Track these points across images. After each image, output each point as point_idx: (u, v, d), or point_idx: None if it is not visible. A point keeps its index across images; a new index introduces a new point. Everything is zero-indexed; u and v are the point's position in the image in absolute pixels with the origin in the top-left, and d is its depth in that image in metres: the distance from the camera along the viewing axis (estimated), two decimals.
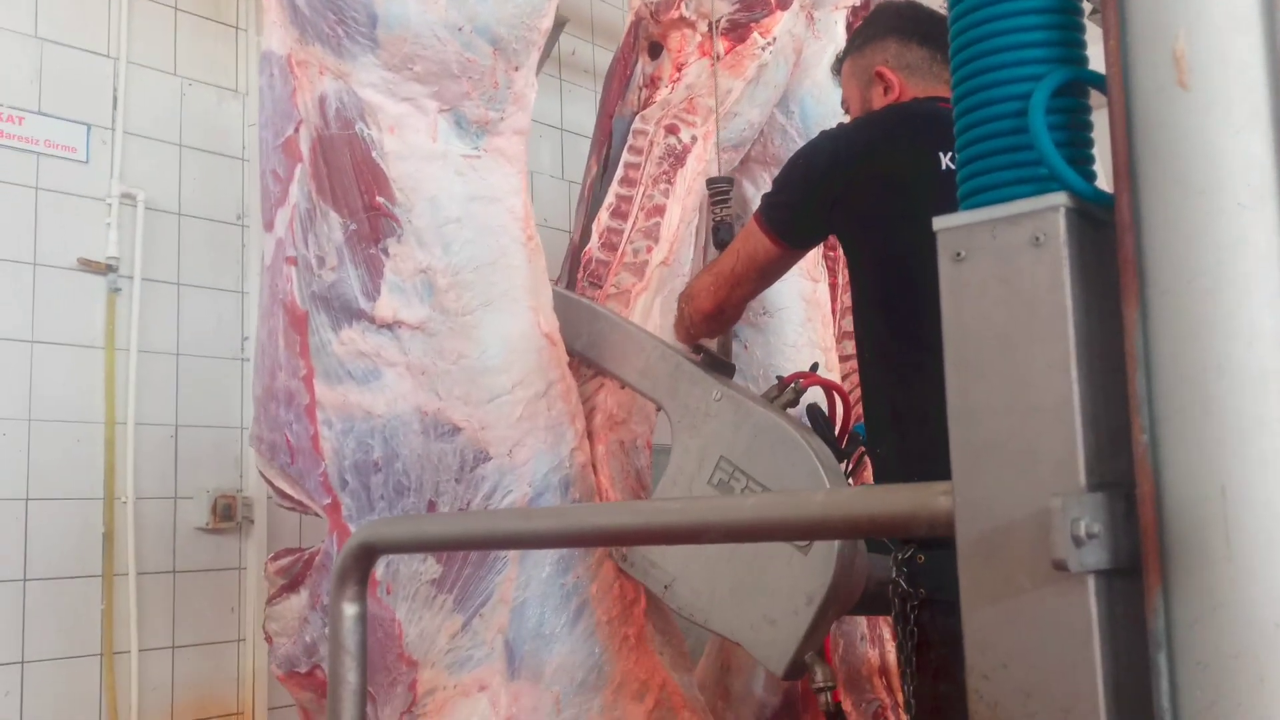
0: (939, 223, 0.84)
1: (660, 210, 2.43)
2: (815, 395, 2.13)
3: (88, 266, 2.78)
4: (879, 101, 1.94)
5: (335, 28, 1.83)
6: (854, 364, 2.14)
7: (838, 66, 2.13)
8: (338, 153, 1.86)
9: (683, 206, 2.46)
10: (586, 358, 2.17)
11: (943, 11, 0.97)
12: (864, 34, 2.04)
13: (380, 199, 1.85)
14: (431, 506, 1.89)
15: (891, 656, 2.65)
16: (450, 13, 1.83)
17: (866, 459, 1.99)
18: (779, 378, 2.07)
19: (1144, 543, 0.73)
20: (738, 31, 2.54)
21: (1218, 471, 0.70)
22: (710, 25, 2.52)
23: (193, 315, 2.97)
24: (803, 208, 1.85)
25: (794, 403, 1.96)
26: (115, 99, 2.88)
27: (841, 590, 1.73)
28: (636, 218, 2.43)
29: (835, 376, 2.81)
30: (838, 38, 2.74)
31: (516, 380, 1.93)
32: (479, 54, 1.87)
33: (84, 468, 2.73)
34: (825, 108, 2.72)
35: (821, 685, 1.91)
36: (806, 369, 2.56)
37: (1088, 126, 0.88)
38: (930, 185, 1.69)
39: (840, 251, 2.52)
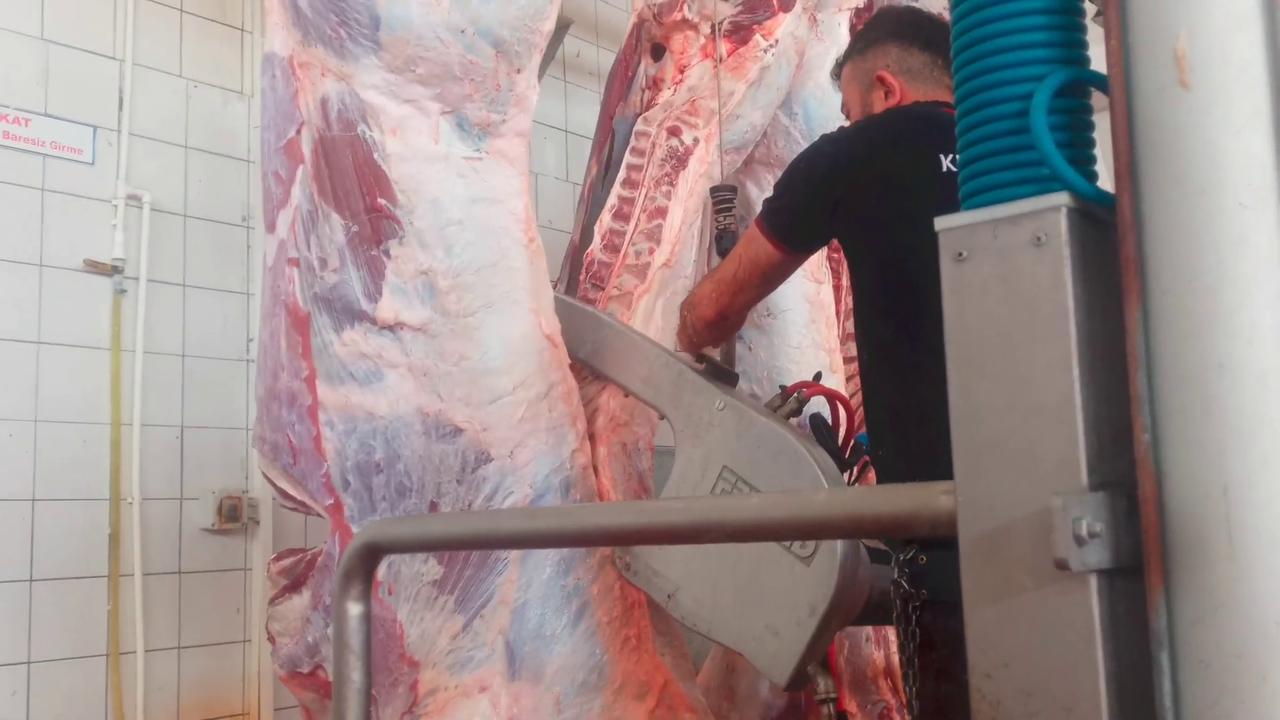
0: (941, 223, 0.84)
1: (662, 212, 2.43)
2: (818, 404, 2.14)
3: (93, 268, 2.79)
4: (879, 105, 1.94)
5: (338, 29, 1.83)
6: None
7: (837, 71, 2.13)
8: (340, 154, 1.87)
9: (685, 208, 2.46)
10: (590, 365, 2.17)
11: (944, 17, 0.98)
12: (865, 38, 2.04)
13: (382, 200, 1.85)
14: (433, 508, 1.89)
15: (896, 658, 2.65)
16: (453, 15, 1.83)
17: (869, 469, 1.99)
18: (782, 387, 2.06)
19: (1146, 542, 0.73)
20: (740, 34, 2.55)
21: (1219, 470, 0.70)
22: (713, 27, 2.52)
23: (198, 316, 2.98)
24: (804, 211, 1.85)
25: (797, 412, 1.95)
26: (121, 101, 2.89)
27: (844, 601, 1.73)
28: (638, 219, 2.43)
29: (840, 377, 2.81)
30: (840, 39, 2.74)
31: (518, 382, 1.94)
32: (481, 56, 1.88)
33: (90, 469, 2.74)
34: (828, 109, 2.72)
35: (824, 697, 1.92)
36: (811, 370, 2.56)
37: (1089, 126, 0.88)
38: (931, 187, 1.69)
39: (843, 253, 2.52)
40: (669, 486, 1.97)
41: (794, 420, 1.94)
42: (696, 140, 2.50)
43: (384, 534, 1.36)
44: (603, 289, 2.36)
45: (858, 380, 2.28)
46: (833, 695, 1.79)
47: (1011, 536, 0.77)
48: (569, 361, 2.09)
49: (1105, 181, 0.82)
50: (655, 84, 2.58)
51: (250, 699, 2.96)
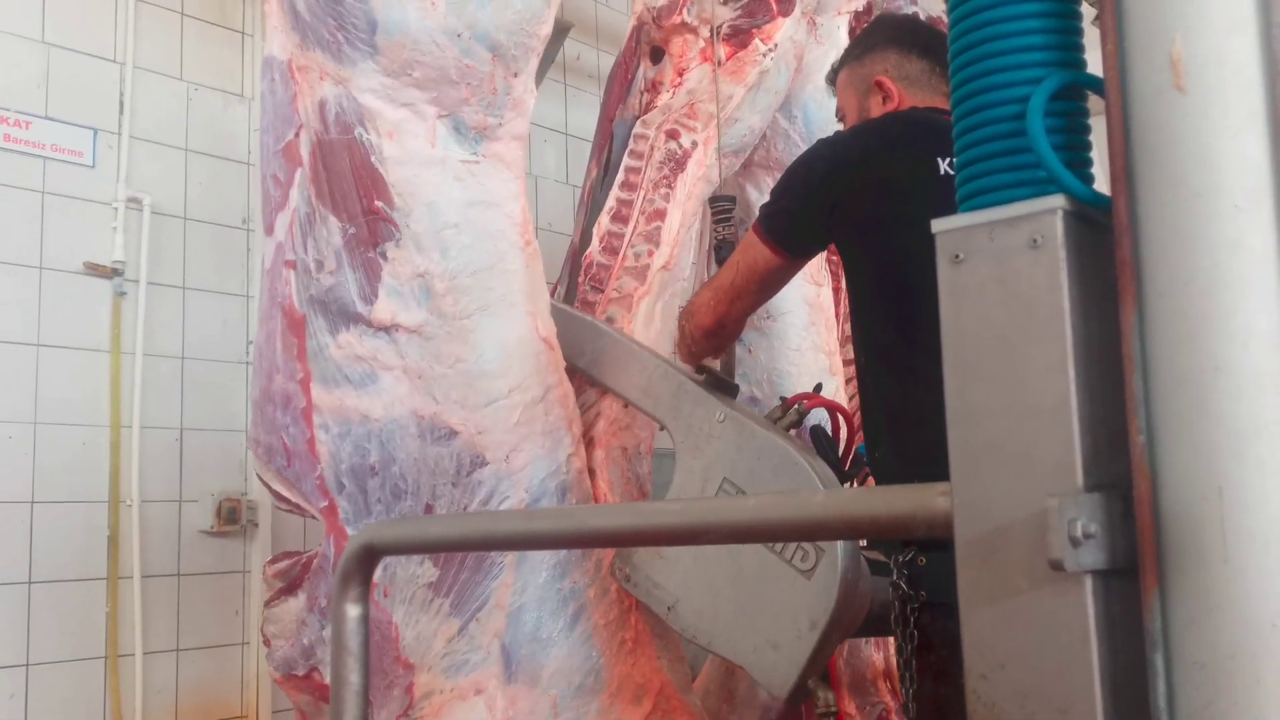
0: (938, 225, 0.84)
1: (661, 215, 2.44)
2: (818, 415, 2.13)
3: (94, 270, 2.79)
4: (877, 110, 1.94)
5: (335, 33, 1.84)
6: None
7: (832, 76, 2.13)
8: (337, 157, 1.87)
9: (683, 211, 2.47)
10: (589, 375, 2.17)
11: (941, 24, 0.98)
12: (863, 44, 2.04)
13: (379, 203, 1.86)
14: (428, 511, 1.89)
15: (895, 660, 2.65)
16: (449, 19, 1.83)
17: (870, 480, 1.98)
18: (782, 398, 2.06)
19: (1141, 543, 0.73)
20: (739, 37, 2.55)
21: (1214, 472, 0.71)
22: (712, 31, 2.53)
23: (198, 319, 2.98)
24: (802, 215, 1.85)
25: (797, 424, 1.94)
26: (122, 104, 2.89)
27: (845, 615, 1.72)
28: (637, 222, 2.43)
29: (840, 379, 2.81)
30: (839, 43, 2.75)
31: (513, 385, 1.93)
32: (478, 60, 1.88)
33: (89, 471, 2.74)
34: (827, 112, 2.72)
35: (824, 710, 1.91)
36: (811, 372, 2.56)
37: (1086, 130, 0.88)
38: (929, 190, 1.70)
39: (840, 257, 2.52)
40: (669, 498, 1.97)
41: (794, 432, 1.93)
42: (695, 143, 2.50)
43: (382, 535, 1.36)
44: (602, 291, 2.36)
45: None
46: (833, 709, 1.79)
47: (1008, 538, 0.77)
48: (565, 365, 2.09)
49: (1102, 184, 0.83)
50: (654, 87, 2.58)
51: (249, 701, 2.96)
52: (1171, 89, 0.74)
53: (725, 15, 2.54)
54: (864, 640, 2.71)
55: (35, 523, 2.64)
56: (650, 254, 2.40)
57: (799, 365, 2.71)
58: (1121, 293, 0.76)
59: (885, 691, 2.69)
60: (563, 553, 1.97)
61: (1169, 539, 0.72)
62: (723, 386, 2.01)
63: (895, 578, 1.66)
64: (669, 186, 2.46)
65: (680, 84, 2.55)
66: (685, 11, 2.54)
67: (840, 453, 2.11)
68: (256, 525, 2.98)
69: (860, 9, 2.87)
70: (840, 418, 2.13)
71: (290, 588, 1.98)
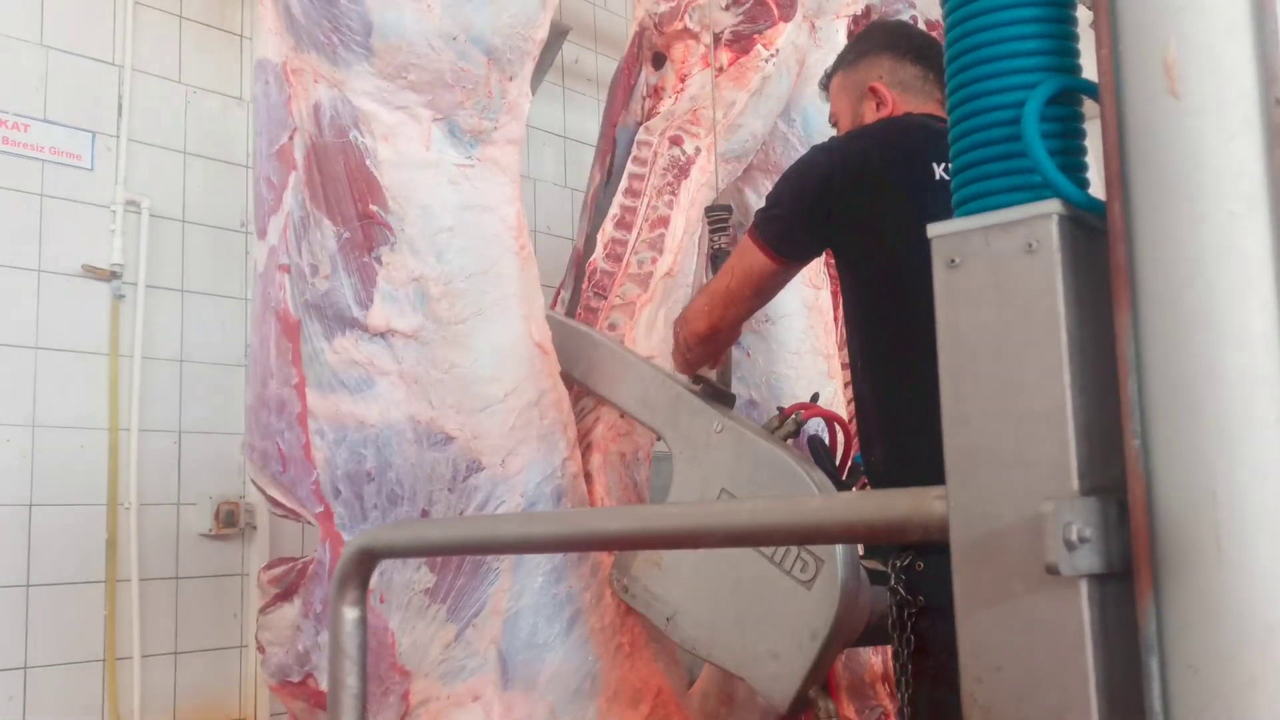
0: (933, 229, 0.84)
1: (664, 221, 2.44)
2: (815, 425, 2.13)
3: (92, 273, 2.79)
4: (870, 116, 1.94)
5: (330, 36, 1.83)
6: None
7: (826, 81, 2.13)
8: (332, 160, 1.86)
9: (687, 218, 2.47)
10: (585, 385, 2.17)
11: (936, 28, 0.98)
12: (857, 50, 2.04)
13: (374, 207, 1.85)
14: (424, 516, 1.89)
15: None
16: (445, 22, 1.83)
17: (868, 489, 1.98)
18: (780, 408, 2.05)
19: (1135, 547, 0.73)
20: (741, 43, 2.55)
21: (1209, 476, 0.71)
22: (713, 37, 2.53)
23: (197, 322, 2.98)
24: (798, 220, 1.85)
25: (795, 434, 1.94)
26: (120, 106, 2.89)
27: (845, 625, 1.72)
28: (641, 228, 2.43)
29: (838, 382, 2.81)
30: (838, 46, 2.75)
31: (509, 389, 1.93)
32: (473, 63, 1.88)
33: (87, 474, 2.74)
34: (826, 116, 2.73)
35: (825, 719, 1.90)
36: (809, 376, 2.56)
37: (1081, 134, 0.88)
38: (924, 195, 1.70)
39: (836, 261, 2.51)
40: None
41: (792, 442, 1.93)
42: (698, 149, 2.51)
43: (380, 539, 1.36)
44: (605, 298, 2.36)
45: None
46: (834, 718, 1.79)
47: (1003, 541, 0.77)
48: (559, 369, 2.08)
49: (1097, 189, 0.83)
50: (656, 93, 2.59)
51: (247, 704, 2.96)
52: (1166, 94, 0.74)
53: (727, 21, 2.54)
54: None
55: (33, 525, 2.64)
56: (654, 261, 2.40)
57: (797, 369, 2.71)
58: (1116, 297, 0.76)
59: (884, 695, 2.68)
60: (558, 557, 1.97)
61: (1163, 542, 0.72)
62: (720, 396, 2.00)
63: (893, 582, 1.66)
64: (672, 193, 2.46)
65: (683, 90, 2.55)
66: (687, 17, 2.54)
67: (838, 462, 2.10)
68: (255, 528, 2.98)
69: (859, 12, 2.87)
70: (838, 427, 2.13)
71: (285, 594, 1.98)
